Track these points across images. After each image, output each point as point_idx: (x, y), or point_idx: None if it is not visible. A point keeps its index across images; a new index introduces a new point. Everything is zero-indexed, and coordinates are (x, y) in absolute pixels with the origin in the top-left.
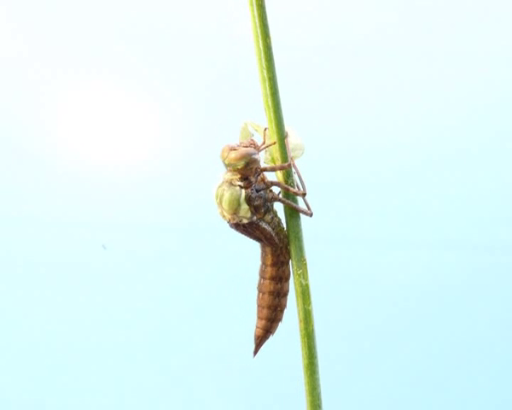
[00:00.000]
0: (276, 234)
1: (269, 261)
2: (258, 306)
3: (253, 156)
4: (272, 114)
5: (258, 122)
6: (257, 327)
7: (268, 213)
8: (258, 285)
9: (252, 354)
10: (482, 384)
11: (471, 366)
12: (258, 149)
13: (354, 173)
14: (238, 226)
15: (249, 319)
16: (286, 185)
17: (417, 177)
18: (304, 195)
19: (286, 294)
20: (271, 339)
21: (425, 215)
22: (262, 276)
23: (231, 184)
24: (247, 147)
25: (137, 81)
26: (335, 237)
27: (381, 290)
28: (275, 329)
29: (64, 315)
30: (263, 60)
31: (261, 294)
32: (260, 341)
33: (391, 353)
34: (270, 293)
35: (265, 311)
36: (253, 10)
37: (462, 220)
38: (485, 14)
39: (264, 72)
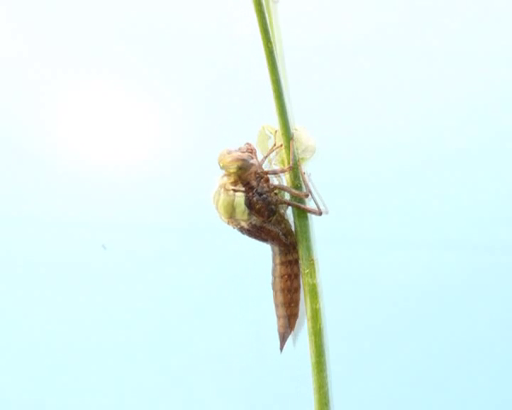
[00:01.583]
0: (284, 235)
1: (278, 260)
2: (274, 304)
3: (246, 161)
4: (278, 117)
5: (274, 125)
6: (278, 326)
7: (273, 215)
8: (271, 283)
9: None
10: (482, 384)
11: (471, 366)
12: (254, 154)
13: (354, 173)
14: (243, 230)
15: (249, 319)
16: (288, 188)
17: (417, 177)
18: (306, 196)
19: (297, 290)
20: (269, 340)
21: (425, 215)
22: (273, 274)
23: (225, 188)
24: (243, 152)
25: (137, 81)
26: (335, 237)
27: (381, 290)
28: (293, 324)
29: (64, 315)
30: (267, 64)
31: (274, 292)
32: (283, 338)
33: (391, 353)
34: (282, 290)
35: (280, 308)
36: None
37: (462, 220)
38: (485, 14)
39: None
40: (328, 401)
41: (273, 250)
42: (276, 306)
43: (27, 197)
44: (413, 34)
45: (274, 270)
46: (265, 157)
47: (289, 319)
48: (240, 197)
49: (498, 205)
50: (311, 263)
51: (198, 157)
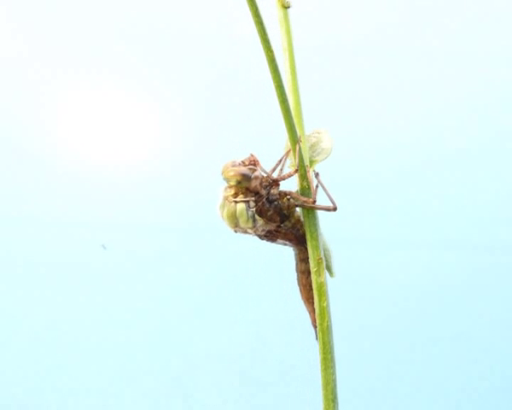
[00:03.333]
0: (301, 235)
1: (298, 257)
2: (302, 300)
3: (245, 176)
4: (284, 121)
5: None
6: (311, 320)
7: (287, 219)
8: (296, 280)
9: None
10: (482, 384)
11: (471, 366)
12: (258, 165)
13: (354, 173)
14: (261, 237)
15: (249, 319)
16: (296, 194)
17: (417, 177)
18: (313, 202)
19: None
20: (269, 340)
21: (425, 215)
22: (295, 270)
23: (228, 200)
24: (246, 166)
25: (137, 81)
26: (335, 237)
27: (381, 290)
28: None
29: (64, 315)
30: (269, 71)
31: (299, 287)
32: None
33: (391, 353)
34: (304, 286)
35: (307, 304)
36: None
37: (462, 220)
38: (486, 14)
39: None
40: (335, 397)
41: (294, 247)
42: (304, 302)
43: (27, 197)
44: (413, 34)
45: (296, 266)
46: (277, 165)
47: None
48: (241, 207)
49: (498, 205)
50: (319, 262)
51: (198, 157)
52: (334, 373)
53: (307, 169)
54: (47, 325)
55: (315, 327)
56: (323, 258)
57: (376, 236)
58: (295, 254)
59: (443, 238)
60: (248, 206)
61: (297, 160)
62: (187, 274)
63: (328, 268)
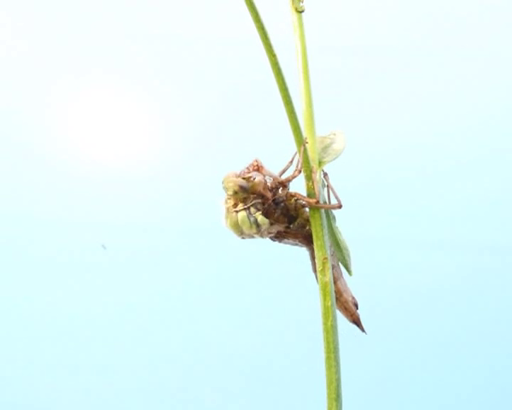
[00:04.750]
0: (310, 235)
1: (311, 257)
2: None
3: (243, 187)
4: (289, 123)
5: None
6: (346, 317)
7: (295, 220)
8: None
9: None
10: (482, 385)
11: (471, 367)
12: (262, 170)
13: (354, 174)
14: (272, 238)
15: (249, 318)
16: (300, 194)
17: (417, 177)
18: (316, 202)
19: (336, 280)
20: (270, 340)
21: (425, 215)
22: (312, 270)
23: (229, 211)
24: (249, 172)
25: (137, 81)
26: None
27: (381, 290)
28: (352, 310)
29: (63, 315)
30: (273, 74)
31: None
32: (357, 324)
33: (391, 353)
34: None
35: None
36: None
37: (462, 220)
38: (487, 14)
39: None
40: (338, 395)
41: (307, 248)
42: None
43: (27, 197)
44: (425, 37)
45: (312, 267)
46: (287, 166)
47: (345, 310)
48: (242, 215)
49: (498, 205)
50: (324, 261)
51: (198, 157)
52: (337, 372)
53: (313, 170)
54: (46, 326)
55: (352, 322)
56: (329, 257)
57: (376, 236)
58: (309, 254)
59: (443, 238)
60: (249, 212)
61: (301, 161)
62: (187, 274)
63: (346, 267)
